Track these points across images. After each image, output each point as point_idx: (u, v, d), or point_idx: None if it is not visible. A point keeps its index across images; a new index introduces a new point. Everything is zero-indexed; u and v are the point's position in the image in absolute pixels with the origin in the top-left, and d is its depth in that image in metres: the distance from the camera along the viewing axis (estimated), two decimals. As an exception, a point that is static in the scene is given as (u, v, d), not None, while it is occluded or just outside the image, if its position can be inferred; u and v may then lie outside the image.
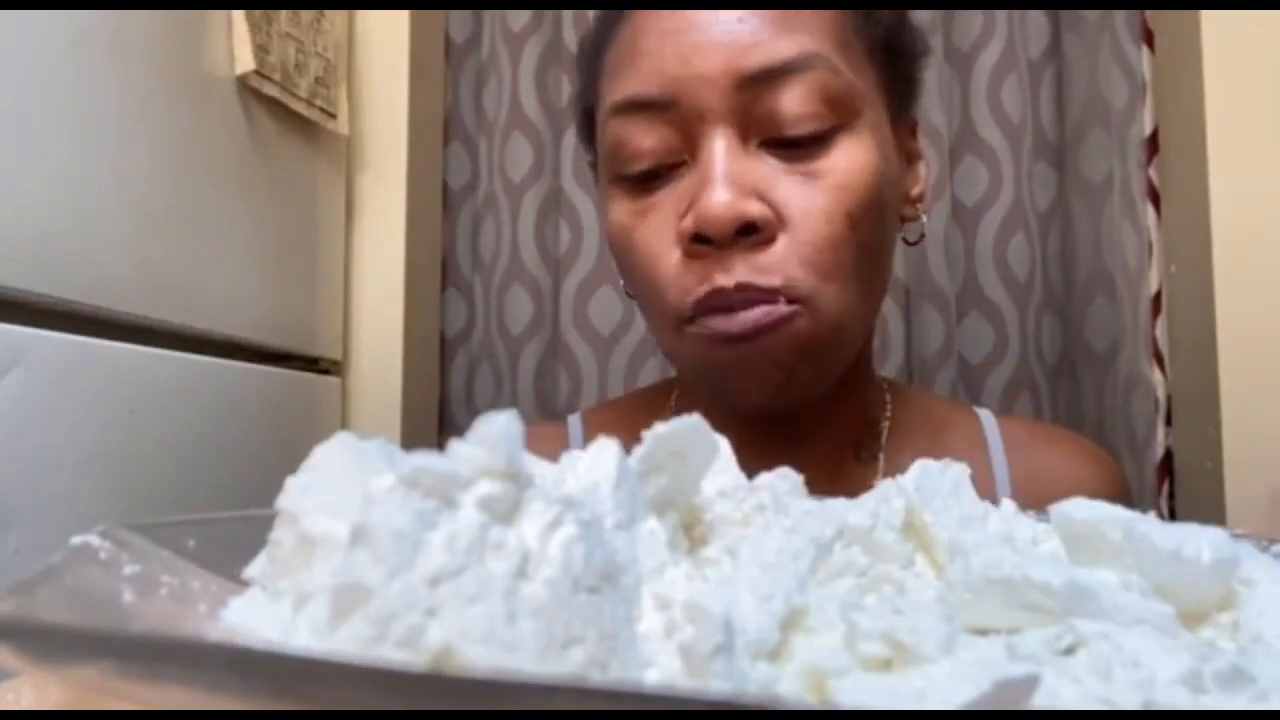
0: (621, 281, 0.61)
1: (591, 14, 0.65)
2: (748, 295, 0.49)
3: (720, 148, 0.50)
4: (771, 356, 0.50)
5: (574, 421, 0.68)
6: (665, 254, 0.52)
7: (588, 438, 0.66)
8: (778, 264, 0.49)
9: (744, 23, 0.50)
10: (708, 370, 0.52)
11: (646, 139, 0.52)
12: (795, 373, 0.51)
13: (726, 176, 0.49)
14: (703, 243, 0.49)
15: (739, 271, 0.49)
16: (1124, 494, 0.61)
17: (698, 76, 0.50)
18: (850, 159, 0.51)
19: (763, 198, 0.49)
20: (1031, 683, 0.17)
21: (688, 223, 0.50)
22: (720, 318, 0.49)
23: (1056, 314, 1.09)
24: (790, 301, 0.49)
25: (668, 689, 0.19)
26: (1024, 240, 1.07)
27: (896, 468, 0.59)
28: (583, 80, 0.61)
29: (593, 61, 0.58)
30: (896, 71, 0.57)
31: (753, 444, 0.55)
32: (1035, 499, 0.59)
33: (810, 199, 0.50)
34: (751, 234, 0.49)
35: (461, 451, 0.20)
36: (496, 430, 0.20)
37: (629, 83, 0.52)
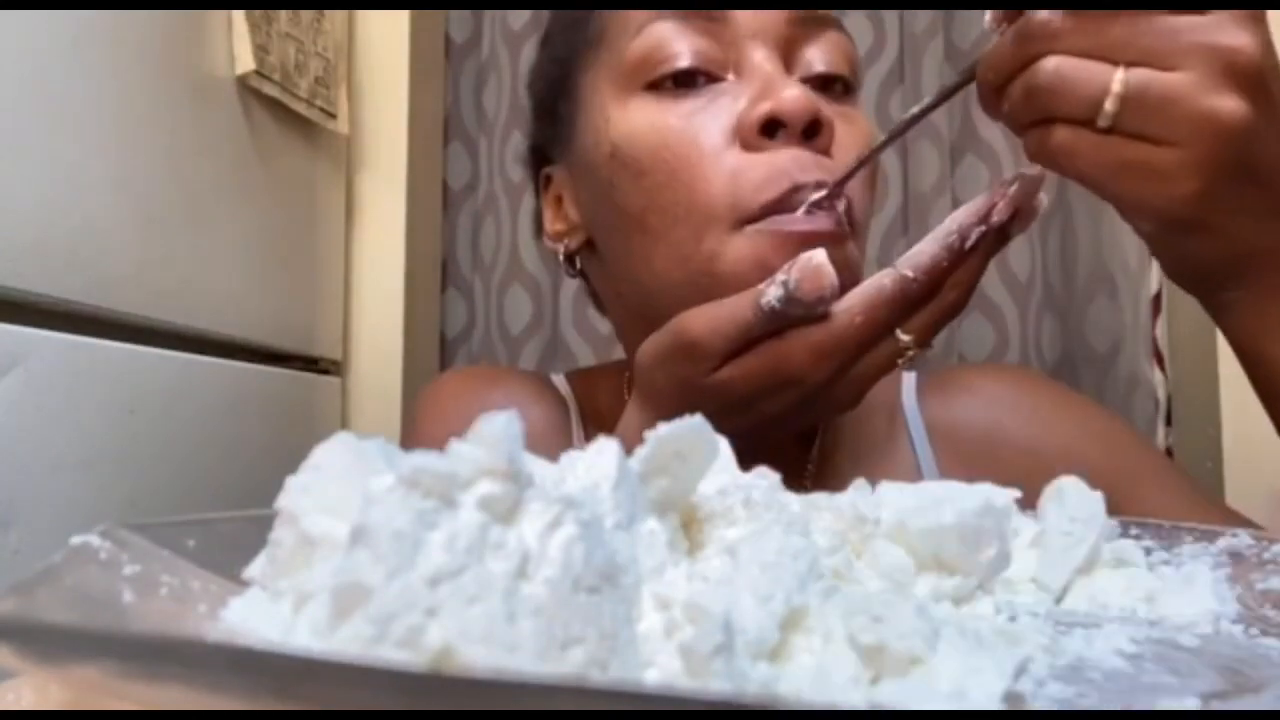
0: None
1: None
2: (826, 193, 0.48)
3: (775, 64, 0.51)
4: None
5: (560, 381, 0.68)
6: (719, 151, 0.49)
7: (577, 395, 0.66)
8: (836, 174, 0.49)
9: None
10: (760, 274, 0.47)
11: (690, 44, 0.51)
12: None
13: (790, 79, 0.50)
14: (769, 135, 0.49)
15: (815, 171, 0.48)
16: (1035, 391, 0.62)
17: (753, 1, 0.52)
18: (865, 120, 0.54)
19: None
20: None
21: (762, 108, 0.48)
22: (799, 218, 0.47)
23: (1056, 314, 1.09)
24: (849, 224, 0.49)
25: (668, 689, 0.19)
26: (1024, 240, 1.07)
27: (831, 446, 0.60)
28: (569, 22, 0.59)
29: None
30: None
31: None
32: (954, 441, 0.59)
33: (849, 131, 0.52)
34: (815, 135, 0.49)
35: (461, 451, 0.20)
36: (496, 430, 0.20)
37: None
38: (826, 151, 0.49)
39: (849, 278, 0.50)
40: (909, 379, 0.63)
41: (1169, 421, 0.98)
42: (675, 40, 0.51)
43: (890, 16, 1.09)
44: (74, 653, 0.17)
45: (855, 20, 1.08)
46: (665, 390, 0.45)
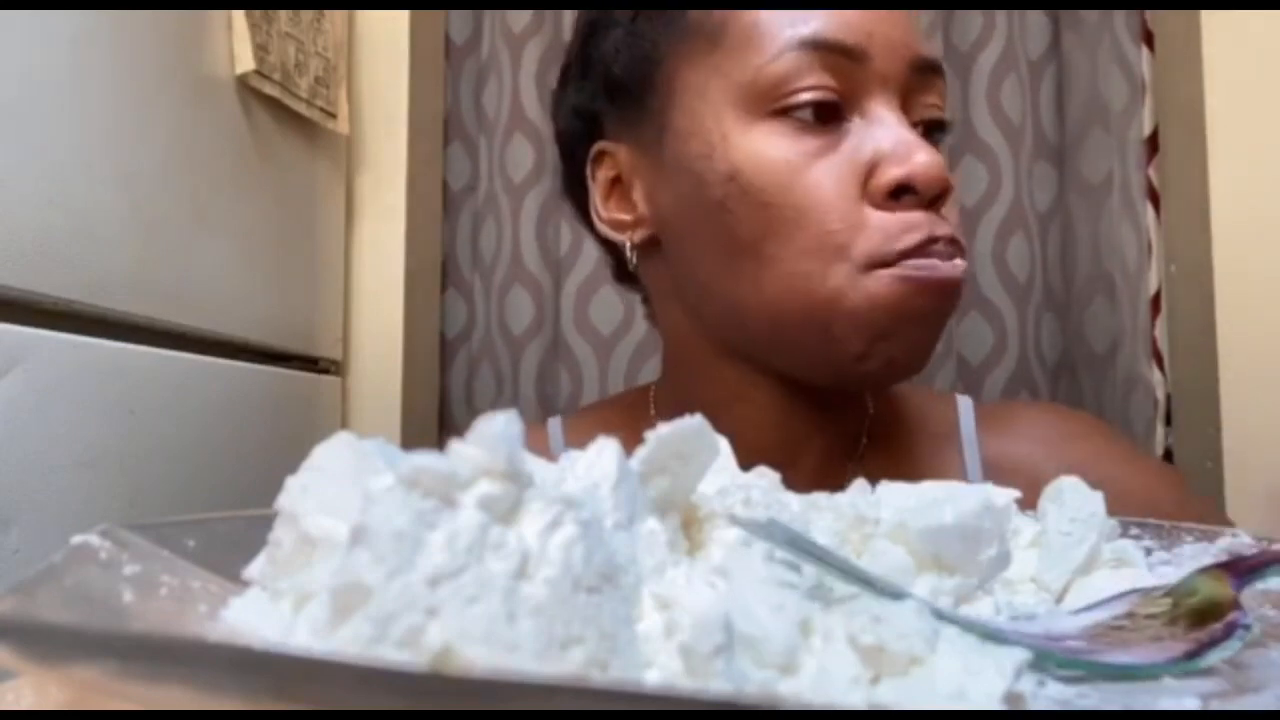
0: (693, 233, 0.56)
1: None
2: (954, 249, 0.50)
3: (899, 114, 0.52)
4: (943, 315, 0.51)
5: (554, 424, 0.67)
6: (851, 201, 0.50)
7: (568, 440, 0.64)
8: (957, 230, 0.51)
9: (914, 19, 0.54)
10: (889, 315, 0.49)
11: (826, 81, 0.51)
12: (937, 339, 0.53)
13: (918, 139, 0.51)
14: (900, 197, 0.50)
15: (945, 228, 0.50)
16: (1090, 435, 0.61)
17: (891, 44, 0.52)
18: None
19: None
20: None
21: (895, 174, 0.49)
22: (933, 263, 0.49)
23: (1056, 314, 1.09)
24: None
25: (668, 689, 0.19)
26: (1024, 240, 1.07)
27: (874, 466, 0.58)
28: (666, 18, 0.56)
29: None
30: None
31: (773, 429, 0.56)
32: (1007, 478, 0.59)
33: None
34: (941, 201, 0.51)
35: (461, 451, 0.20)
36: (496, 430, 0.20)
37: (823, 23, 0.52)
38: (939, 211, 0.51)
39: (953, 314, 0.52)
40: (966, 405, 0.63)
41: (1168, 421, 0.98)
42: (814, 73, 0.51)
43: (890, 17, 1.09)
44: (74, 653, 0.17)
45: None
46: None
